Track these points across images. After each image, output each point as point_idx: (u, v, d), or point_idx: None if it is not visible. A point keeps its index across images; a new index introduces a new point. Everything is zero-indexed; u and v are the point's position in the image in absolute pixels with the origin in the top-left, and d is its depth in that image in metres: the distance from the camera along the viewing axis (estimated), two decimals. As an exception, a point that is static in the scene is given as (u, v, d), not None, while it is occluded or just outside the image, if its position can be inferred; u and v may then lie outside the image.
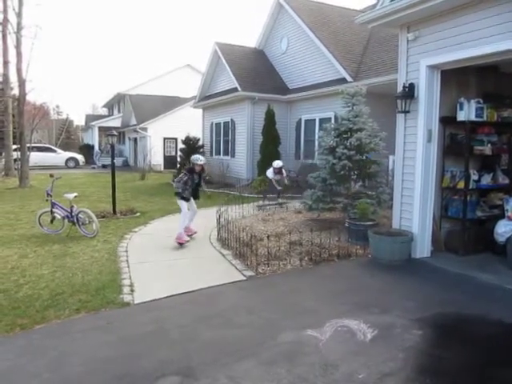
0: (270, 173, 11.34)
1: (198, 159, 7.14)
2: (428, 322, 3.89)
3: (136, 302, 4.53)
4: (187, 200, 7.04)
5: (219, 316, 4.12)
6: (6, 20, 16.92)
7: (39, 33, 33.22)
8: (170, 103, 27.59)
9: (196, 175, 7.13)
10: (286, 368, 3.11)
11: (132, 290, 4.83)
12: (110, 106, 41.80)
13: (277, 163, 11.24)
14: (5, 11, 16.74)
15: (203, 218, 8.08)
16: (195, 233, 7.37)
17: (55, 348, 3.53)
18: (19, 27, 16.46)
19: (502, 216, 5.93)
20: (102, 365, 3.24)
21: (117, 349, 3.50)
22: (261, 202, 10.67)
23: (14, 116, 18.59)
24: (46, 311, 4.23)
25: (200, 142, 18.10)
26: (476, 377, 3.07)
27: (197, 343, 3.56)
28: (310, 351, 3.37)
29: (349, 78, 12.18)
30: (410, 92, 5.84)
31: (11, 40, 16.84)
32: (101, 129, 33.81)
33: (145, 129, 26.37)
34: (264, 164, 14.02)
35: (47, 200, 7.82)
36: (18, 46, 16.40)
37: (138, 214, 9.79)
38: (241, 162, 15.78)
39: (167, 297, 4.64)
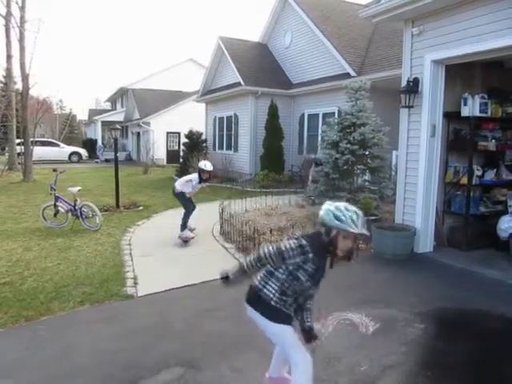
0: (190, 183, 6.81)
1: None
2: (430, 316, 3.91)
3: (139, 294, 4.57)
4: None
5: (222, 309, 4.15)
6: (9, 14, 16.91)
7: (42, 27, 33.19)
8: (173, 97, 27.57)
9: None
10: (289, 360, 3.13)
11: (135, 283, 4.87)
12: (112, 100, 41.77)
13: (205, 163, 6.81)
14: (8, 5, 16.72)
15: (206, 212, 8.10)
16: None
17: (61, 339, 3.56)
18: (22, 21, 16.43)
19: (505, 212, 5.94)
20: (108, 356, 3.28)
21: (121, 340, 3.54)
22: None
23: (17, 110, 18.62)
24: (50, 303, 4.26)
25: (203, 137, 18.12)
26: (477, 370, 3.08)
27: (200, 335, 3.59)
28: (313, 344, 3.38)
29: (352, 73, 12.14)
30: (414, 87, 5.83)
31: (14, 34, 16.85)
32: (104, 123, 33.82)
33: (148, 123, 26.36)
34: (267, 158, 14.05)
35: (51, 194, 7.85)
36: (21, 40, 16.38)
37: (141, 207, 9.82)
38: (244, 157, 15.78)
39: (170, 289, 4.67)
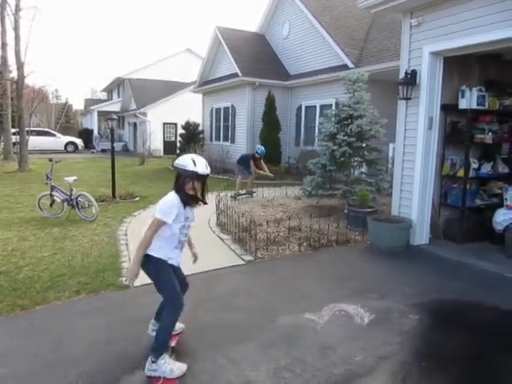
0: (169, 226, 2.93)
1: None
2: (425, 307, 3.93)
3: (135, 284, 4.54)
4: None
5: (218, 299, 4.16)
6: (4, 1, 16.70)
7: (38, 15, 32.82)
8: (169, 88, 27.41)
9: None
10: (285, 350, 3.15)
11: (132, 273, 4.86)
12: (109, 90, 41.50)
13: (192, 159, 2.88)
14: (3, -8, 16.52)
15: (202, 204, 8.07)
16: None
17: (56, 328, 3.56)
18: (17, 9, 16.27)
19: (500, 205, 5.96)
20: (103, 345, 3.28)
21: (117, 330, 3.54)
22: None
23: (12, 99, 18.45)
24: (46, 293, 4.26)
25: (200, 128, 18.05)
26: (470, 361, 3.11)
27: (196, 326, 3.59)
28: (308, 334, 3.41)
29: (350, 65, 12.09)
30: (411, 79, 5.80)
31: (9, 22, 16.66)
32: (100, 113, 33.66)
33: (144, 114, 26.23)
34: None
35: (47, 183, 7.82)
36: (16, 28, 16.21)
37: (138, 198, 9.79)
38: (241, 148, 15.72)
39: (167, 280, 4.67)
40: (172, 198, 2.91)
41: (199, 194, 2.99)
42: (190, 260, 4.52)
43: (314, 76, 13.74)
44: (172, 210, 2.86)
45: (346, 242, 6.12)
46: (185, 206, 2.93)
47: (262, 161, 10.28)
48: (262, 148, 10.30)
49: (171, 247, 3.00)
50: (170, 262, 2.99)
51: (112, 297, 4.25)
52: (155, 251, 2.94)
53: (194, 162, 2.83)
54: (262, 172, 10.22)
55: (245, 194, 10.02)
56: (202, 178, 2.92)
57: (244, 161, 10.33)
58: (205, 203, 3.11)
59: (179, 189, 2.92)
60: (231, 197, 9.45)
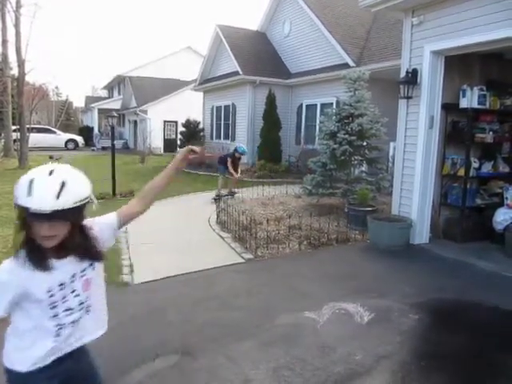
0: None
1: None
2: (425, 306, 3.92)
3: (135, 282, 4.57)
4: None
5: (217, 297, 4.16)
6: (4, -2, 16.72)
7: (38, 12, 32.80)
8: (170, 86, 27.38)
9: None
10: (284, 349, 3.15)
11: (131, 271, 4.87)
12: (109, 88, 41.46)
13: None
14: (4, -11, 16.52)
15: (202, 201, 8.08)
16: None
17: (55, 326, 3.56)
18: (18, 5, 16.25)
19: (501, 204, 5.95)
20: (101, 344, 3.24)
21: (115, 328, 3.51)
22: None
23: (13, 96, 18.45)
24: (46, 290, 4.25)
25: (200, 126, 18.04)
26: (470, 360, 3.11)
27: (195, 324, 3.59)
28: (308, 333, 3.41)
29: (351, 63, 12.06)
30: (413, 78, 5.79)
31: (10, 19, 16.65)
32: (100, 111, 33.66)
33: (145, 111, 26.20)
34: (265, 148, 14.02)
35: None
36: (16, 25, 16.20)
37: (138, 196, 9.77)
38: (241, 147, 15.73)
39: (166, 278, 4.67)
40: (3, 265, 1.50)
41: (73, 243, 1.56)
42: (188, 259, 4.52)
43: (314, 74, 13.72)
44: None
45: (346, 241, 6.12)
46: (44, 266, 1.50)
47: (238, 161, 10.00)
48: (243, 147, 10.07)
49: (45, 340, 1.60)
50: (48, 360, 1.61)
51: (112, 295, 4.22)
52: (12, 360, 1.58)
53: (30, 189, 1.39)
54: (233, 174, 9.84)
55: (226, 194, 9.54)
56: (47, 219, 1.40)
57: (224, 160, 9.99)
58: (96, 259, 1.67)
59: (25, 237, 1.52)
60: (213, 199, 9.00)
